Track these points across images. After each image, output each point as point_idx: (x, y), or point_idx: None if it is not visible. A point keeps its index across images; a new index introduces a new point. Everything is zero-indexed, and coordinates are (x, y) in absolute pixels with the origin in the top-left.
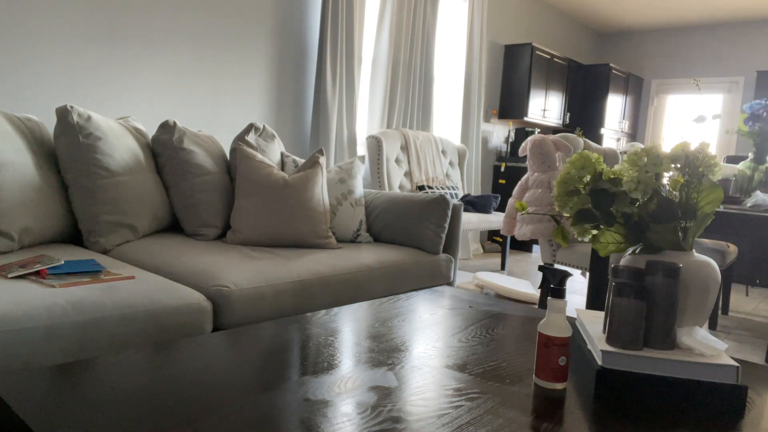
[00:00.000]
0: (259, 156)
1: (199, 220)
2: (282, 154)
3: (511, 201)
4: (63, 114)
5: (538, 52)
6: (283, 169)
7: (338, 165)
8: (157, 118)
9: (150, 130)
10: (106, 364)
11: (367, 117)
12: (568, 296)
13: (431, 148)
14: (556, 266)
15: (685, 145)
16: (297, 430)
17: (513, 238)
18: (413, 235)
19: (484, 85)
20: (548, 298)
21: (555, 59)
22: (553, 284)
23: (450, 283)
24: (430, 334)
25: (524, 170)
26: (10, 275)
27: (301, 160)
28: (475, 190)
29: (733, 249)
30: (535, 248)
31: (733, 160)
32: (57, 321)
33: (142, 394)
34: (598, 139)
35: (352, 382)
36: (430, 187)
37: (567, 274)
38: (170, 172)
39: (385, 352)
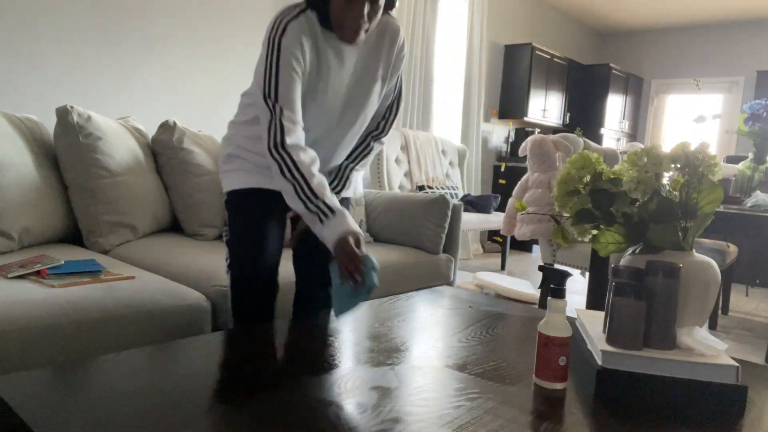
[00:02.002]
0: None
1: (199, 220)
2: None
3: (511, 201)
4: (63, 114)
5: (538, 52)
6: None
7: None
8: (157, 118)
9: (150, 130)
10: (106, 364)
11: None
12: (568, 296)
13: (431, 148)
14: (556, 266)
15: (685, 145)
16: (297, 430)
17: (513, 238)
18: (413, 235)
19: (484, 85)
20: (548, 298)
21: (555, 59)
22: (553, 284)
23: (450, 283)
24: (430, 334)
25: (524, 170)
26: (10, 275)
27: None
28: (475, 190)
29: (733, 249)
30: (535, 248)
31: (733, 160)
32: (57, 321)
33: (141, 394)
34: (598, 139)
35: (352, 382)
36: (430, 187)
37: (567, 274)
38: (170, 172)
39: (385, 352)
